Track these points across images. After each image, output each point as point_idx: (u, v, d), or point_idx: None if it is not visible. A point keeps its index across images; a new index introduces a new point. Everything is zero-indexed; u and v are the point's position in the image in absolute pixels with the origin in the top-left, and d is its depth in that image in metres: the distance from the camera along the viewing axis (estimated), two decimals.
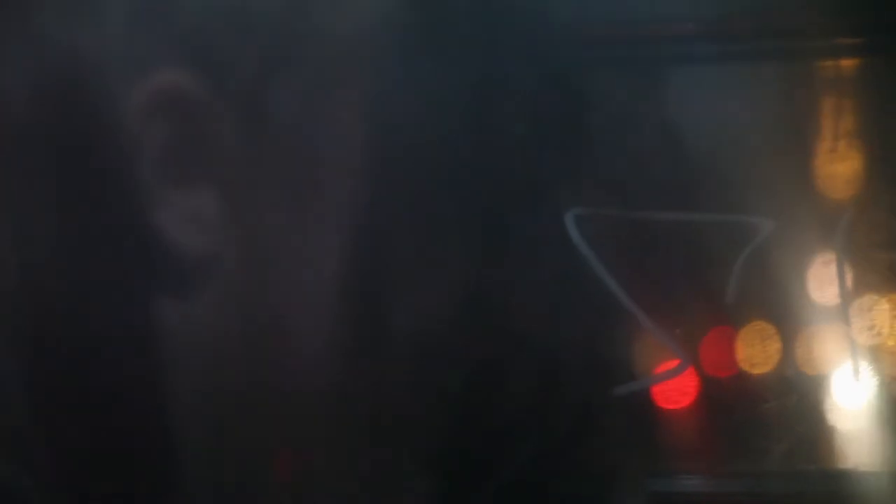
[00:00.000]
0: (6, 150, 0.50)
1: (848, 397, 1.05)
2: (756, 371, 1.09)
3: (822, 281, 1.06)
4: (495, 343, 0.53)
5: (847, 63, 1.07)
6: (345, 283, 0.49)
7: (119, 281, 0.49)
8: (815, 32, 1.05)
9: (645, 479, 1.02)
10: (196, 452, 0.49)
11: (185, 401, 0.49)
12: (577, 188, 1.08)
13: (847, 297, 1.05)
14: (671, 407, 1.09)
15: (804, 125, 1.08)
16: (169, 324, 0.49)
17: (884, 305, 1.06)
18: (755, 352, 1.09)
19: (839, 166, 1.07)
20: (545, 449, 0.57)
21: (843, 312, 1.05)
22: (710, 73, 1.09)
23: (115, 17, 0.49)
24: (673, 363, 1.09)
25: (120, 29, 0.49)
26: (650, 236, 1.08)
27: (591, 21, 1.08)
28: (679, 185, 1.09)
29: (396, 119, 0.49)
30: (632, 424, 1.09)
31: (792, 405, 1.07)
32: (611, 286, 1.07)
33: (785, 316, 1.07)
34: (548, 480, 0.57)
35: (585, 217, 1.08)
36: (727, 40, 1.07)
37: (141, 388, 0.49)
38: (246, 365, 0.50)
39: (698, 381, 1.09)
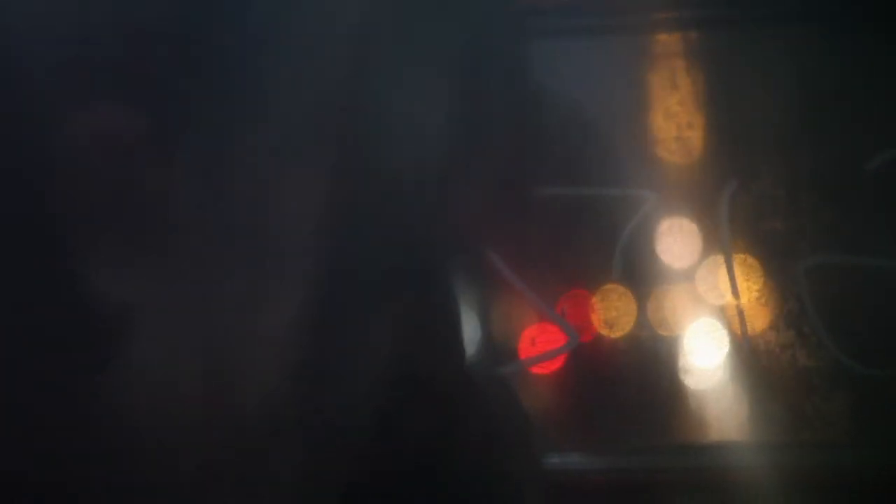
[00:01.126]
0: None
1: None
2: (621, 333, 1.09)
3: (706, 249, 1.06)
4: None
5: (721, 35, 1.08)
6: (303, 330, 0.48)
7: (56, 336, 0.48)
8: (687, 3, 1.05)
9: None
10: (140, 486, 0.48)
11: (131, 440, 0.48)
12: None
13: (731, 265, 1.05)
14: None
15: (683, 97, 1.08)
16: (111, 370, 0.48)
17: (767, 272, 1.06)
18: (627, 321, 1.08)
19: (718, 137, 1.07)
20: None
21: (730, 279, 1.05)
22: (584, 46, 1.08)
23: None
24: (561, 340, 1.08)
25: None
26: (533, 212, 1.08)
27: None
28: (561, 160, 1.08)
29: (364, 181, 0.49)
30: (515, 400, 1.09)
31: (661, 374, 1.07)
32: (496, 263, 1.07)
33: (663, 287, 1.07)
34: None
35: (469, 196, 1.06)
36: (585, 14, 1.07)
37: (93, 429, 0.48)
38: (189, 406, 0.48)
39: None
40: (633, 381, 1.07)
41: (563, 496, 1.04)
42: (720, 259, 1.06)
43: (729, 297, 1.05)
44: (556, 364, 1.09)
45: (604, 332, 1.08)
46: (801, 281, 1.05)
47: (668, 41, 1.08)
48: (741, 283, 1.05)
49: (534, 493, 0.59)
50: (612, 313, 1.08)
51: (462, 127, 1.08)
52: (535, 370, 1.08)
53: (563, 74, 1.08)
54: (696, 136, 1.07)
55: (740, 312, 1.05)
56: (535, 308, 1.08)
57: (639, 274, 1.07)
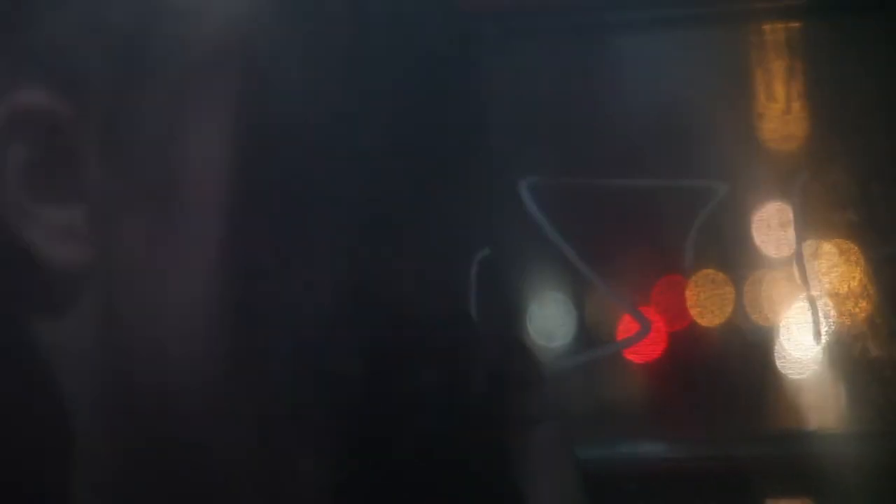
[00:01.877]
0: None
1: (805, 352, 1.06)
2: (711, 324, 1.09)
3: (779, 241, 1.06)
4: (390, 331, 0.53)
5: (795, 25, 1.07)
6: (216, 290, 0.49)
7: None
8: None
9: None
10: (80, 459, 0.50)
11: (67, 411, 0.50)
12: (528, 159, 1.08)
13: (803, 256, 1.05)
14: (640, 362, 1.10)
15: (755, 88, 1.08)
16: (44, 337, 0.50)
17: (840, 262, 1.06)
18: (712, 311, 1.09)
19: (793, 128, 1.07)
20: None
21: (800, 270, 1.05)
22: (655, 40, 1.09)
23: None
24: (634, 328, 1.09)
25: None
26: (605, 204, 1.08)
27: None
28: (632, 152, 1.09)
29: (265, 119, 0.50)
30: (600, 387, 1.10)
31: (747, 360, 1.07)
32: (568, 254, 1.07)
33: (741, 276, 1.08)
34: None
35: (539, 186, 1.07)
36: (671, 5, 1.07)
37: (21, 404, 0.50)
38: (121, 374, 0.50)
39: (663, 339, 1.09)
40: (698, 371, 1.08)
41: (660, 485, 1.05)
42: (792, 250, 1.06)
43: (802, 288, 1.06)
44: (650, 353, 1.09)
45: (679, 321, 1.09)
46: (874, 271, 1.05)
47: (742, 32, 1.08)
48: (813, 274, 1.05)
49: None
50: (686, 299, 1.08)
51: (527, 118, 1.10)
52: (631, 359, 1.09)
53: (635, 67, 1.09)
54: (768, 127, 1.07)
55: (812, 302, 1.05)
56: (609, 298, 1.09)
57: (710, 265, 1.08)
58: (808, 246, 1.06)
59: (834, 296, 1.06)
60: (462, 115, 0.66)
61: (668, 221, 1.08)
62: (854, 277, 1.05)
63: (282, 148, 0.50)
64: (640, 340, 1.09)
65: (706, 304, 1.08)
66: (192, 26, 0.51)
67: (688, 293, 1.08)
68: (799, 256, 1.05)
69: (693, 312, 1.08)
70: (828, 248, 1.06)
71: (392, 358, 0.52)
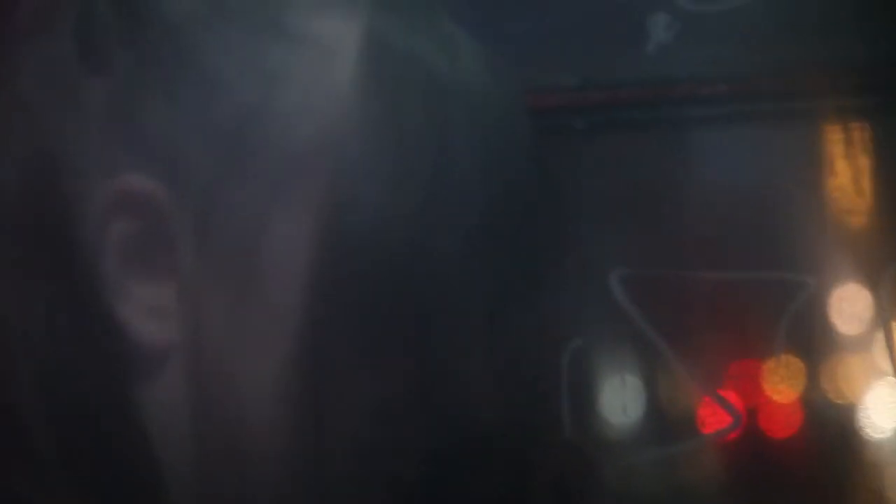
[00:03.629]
0: None
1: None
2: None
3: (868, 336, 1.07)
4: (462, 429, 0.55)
5: (880, 122, 1.08)
6: (290, 377, 0.52)
7: (87, 366, 0.53)
8: (845, 91, 1.06)
9: None
10: None
11: (161, 474, 0.52)
12: (619, 251, 1.09)
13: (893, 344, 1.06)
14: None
15: (842, 183, 1.09)
16: (138, 403, 0.53)
17: None
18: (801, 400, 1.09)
19: (879, 222, 1.08)
20: None
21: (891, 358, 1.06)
22: (744, 134, 1.10)
23: (90, 122, 0.53)
24: (726, 420, 1.09)
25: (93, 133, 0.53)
26: (694, 295, 1.09)
27: (619, 84, 1.10)
28: (720, 244, 1.10)
29: (349, 217, 0.52)
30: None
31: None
32: (658, 346, 1.09)
33: (832, 371, 1.08)
34: None
35: (629, 277, 1.09)
36: (756, 100, 1.08)
37: (112, 463, 0.52)
38: (201, 440, 0.53)
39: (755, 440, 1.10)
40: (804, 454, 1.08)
41: None
42: (880, 338, 1.06)
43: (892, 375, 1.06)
44: (741, 444, 1.10)
45: (771, 411, 1.09)
46: None
47: (829, 128, 1.09)
48: None
49: None
50: (776, 391, 1.09)
51: (617, 210, 1.11)
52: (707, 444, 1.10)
53: (724, 160, 1.11)
54: (855, 221, 1.08)
55: None
56: (698, 389, 1.09)
57: (800, 355, 1.08)
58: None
59: None
60: (551, 208, 0.68)
61: (756, 313, 1.09)
62: None
63: (364, 246, 0.52)
64: (731, 432, 1.09)
65: (794, 393, 1.08)
66: (287, 128, 0.54)
67: (776, 383, 1.09)
68: (889, 346, 1.06)
69: (782, 402, 1.09)
70: None
71: (462, 459, 0.54)
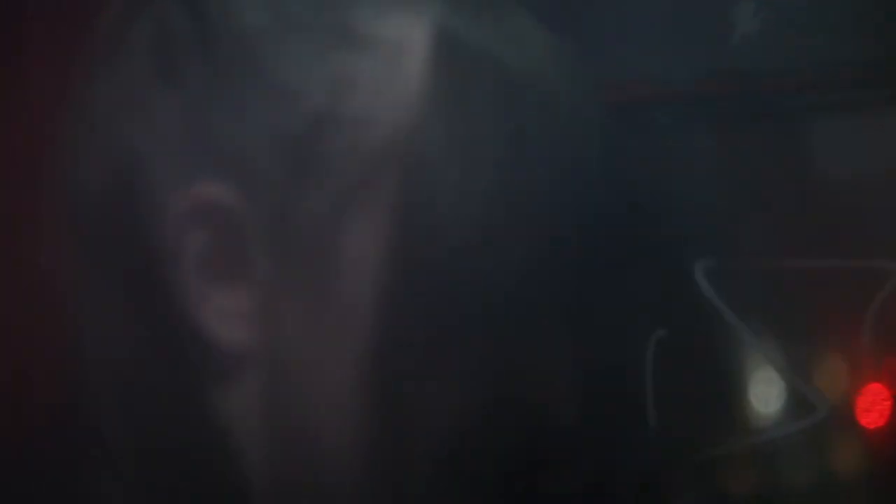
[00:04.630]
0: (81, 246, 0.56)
1: None
2: None
3: None
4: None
5: None
6: (367, 378, 0.53)
7: (164, 371, 0.54)
8: None
9: None
10: None
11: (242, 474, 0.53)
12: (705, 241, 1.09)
13: None
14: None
15: None
16: (209, 408, 0.54)
17: None
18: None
19: None
20: None
21: None
22: (829, 123, 1.10)
23: (167, 134, 0.54)
24: (814, 409, 1.09)
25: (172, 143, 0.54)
26: (781, 285, 1.09)
27: (708, 75, 1.10)
28: (810, 234, 1.10)
29: (421, 221, 0.53)
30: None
31: None
32: (745, 336, 1.08)
33: None
34: None
35: (714, 268, 1.09)
36: (844, 89, 1.08)
37: (193, 467, 0.54)
38: (277, 445, 0.54)
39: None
40: None
41: None
42: None
43: None
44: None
45: (861, 401, 1.08)
46: None
47: None
48: None
49: None
50: (866, 381, 1.08)
51: (703, 201, 1.11)
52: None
53: (810, 150, 1.10)
54: None
55: None
56: (786, 379, 1.09)
57: (890, 343, 1.07)
58: None
59: None
60: (637, 199, 0.69)
61: (845, 301, 1.08)
62: None
63: (438, 244, 0.53)
64: (820, 420, 1.09)
65: (884, 382, 1.08)
66: (358, 131, 0.54)
67: (867, 372, 1.08)
68: None
69: (871, 392, 1.08)
70: None
71: (545, 457, 0.54)
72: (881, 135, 1.08)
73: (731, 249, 1.10)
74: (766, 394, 1.11)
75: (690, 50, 1.11)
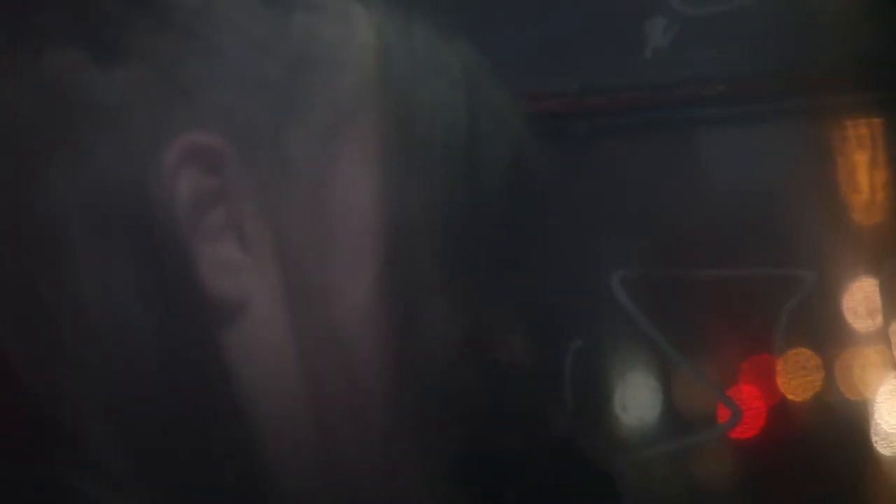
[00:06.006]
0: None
1: None
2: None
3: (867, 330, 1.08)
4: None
5: (877, 118, 1.10)
6: (369, 319, 0.54)
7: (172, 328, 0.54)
8: (845, 89, 1.08)
9: None
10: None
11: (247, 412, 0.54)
12: (620, 253, 1.11)
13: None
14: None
15: (838, 180, 1.10)
16: (223, 348, 0.54)
17: None
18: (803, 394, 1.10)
19: (879, 218, 1.09)
20: None
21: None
22: (739, 133, 1.12)
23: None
24: (726, 415, 1.11)
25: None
26: (695, 294, 1.11)
27: (618, 89, 1.12)
28: (720, 244, 1.12)
29: (412, 161, 0.55)
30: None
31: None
32: (661, 344, 1.10)
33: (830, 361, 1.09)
34: None
35: (629, 278, 1.10)
36: (753, 101, 1.10)
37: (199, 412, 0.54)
38: (282, 390, 0.54)
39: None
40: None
41: None
42: (882, 333, 1.08)
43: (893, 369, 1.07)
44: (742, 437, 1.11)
45: (770, 406, 1.10)
46: None
47: (826, 126, 1.11)
48: None
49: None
50: (778, 387, 1.10)
51: (617, 212, 1.13)
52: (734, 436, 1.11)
53: (722, 160, 1.12)
54: (854, 217, 1.10)
55: None
56: (700, 386, 1.11)
57: (800, 349, 1.10)
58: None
59: None
60: (552, 212, 0.70)
61: (757, 309, 1.10)
62: None
63: (422, 182, 0.54)
64: (732, 428, 1.11)
65: (797, 388, 1.10)
66: (328, 79, 0.56)
67: (778, 378, 1.10)
68: (889, 339, 1.07)
69: (784, 396, 1.10)
70: None
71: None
72: (793, 145, 1.10)
73: (647, 260, 1.11)
74: (681, 401, 1.12)
75: (605, 63, 1.13)
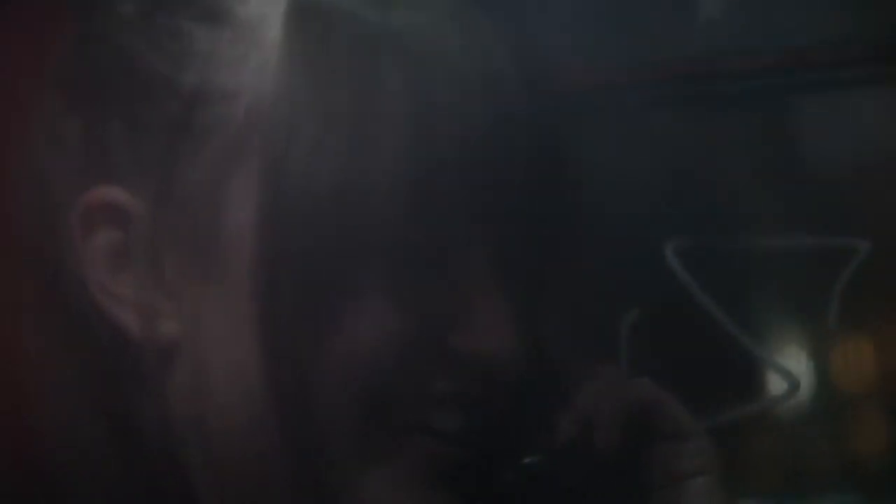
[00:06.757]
0: None
1: None
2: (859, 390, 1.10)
3: None
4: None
5: None
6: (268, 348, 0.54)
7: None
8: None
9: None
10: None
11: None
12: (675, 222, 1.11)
13: None
14: None
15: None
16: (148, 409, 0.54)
17: None
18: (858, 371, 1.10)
19: None
20: None
21: None
22: (791, 104, 1.12)
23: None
24: (782, 386, 1.11)
25: None
26: (750, 263, 1.11)
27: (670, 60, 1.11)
28: (776, 213, 1.11)
29: (298, 184, 0.54)
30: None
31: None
32: (716, 315, 1.10)
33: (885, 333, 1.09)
34: None
35: (684, 247, 1.10)
36: (808, 70, 1.09)
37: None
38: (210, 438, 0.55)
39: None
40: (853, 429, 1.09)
41: None
42: None
43: None
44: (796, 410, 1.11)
45: (826, 379, 1.10)
46: None
47: (879, 95, 1.10)
48: None
49: None
50: (833, 361, 1.10)
51: (673, 182, 1.13)
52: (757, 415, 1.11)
53: (775, 131, 1.12)
54: None
55: None
56: (757, 357, 1.11)
57: (855, 322, 1.09)
58: None
59: None
60: (604, 184, 0.70)
61: (812, 279, 1.10)
62: None
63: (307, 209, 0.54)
64: (789, 398, 1.11)
65: (850, 362, 1.10)
66: (225, 108, 0.55)
67: (832, 351, 1.10)
68: None
69: (837, 370, 1.10)
70: None
71: (531, 417, 0.55)
72: (850, 115, 1.09)
73: (702, 229, 1.11)
74: (735, 371, 1.12)
75: (657, 34, 1.12)
